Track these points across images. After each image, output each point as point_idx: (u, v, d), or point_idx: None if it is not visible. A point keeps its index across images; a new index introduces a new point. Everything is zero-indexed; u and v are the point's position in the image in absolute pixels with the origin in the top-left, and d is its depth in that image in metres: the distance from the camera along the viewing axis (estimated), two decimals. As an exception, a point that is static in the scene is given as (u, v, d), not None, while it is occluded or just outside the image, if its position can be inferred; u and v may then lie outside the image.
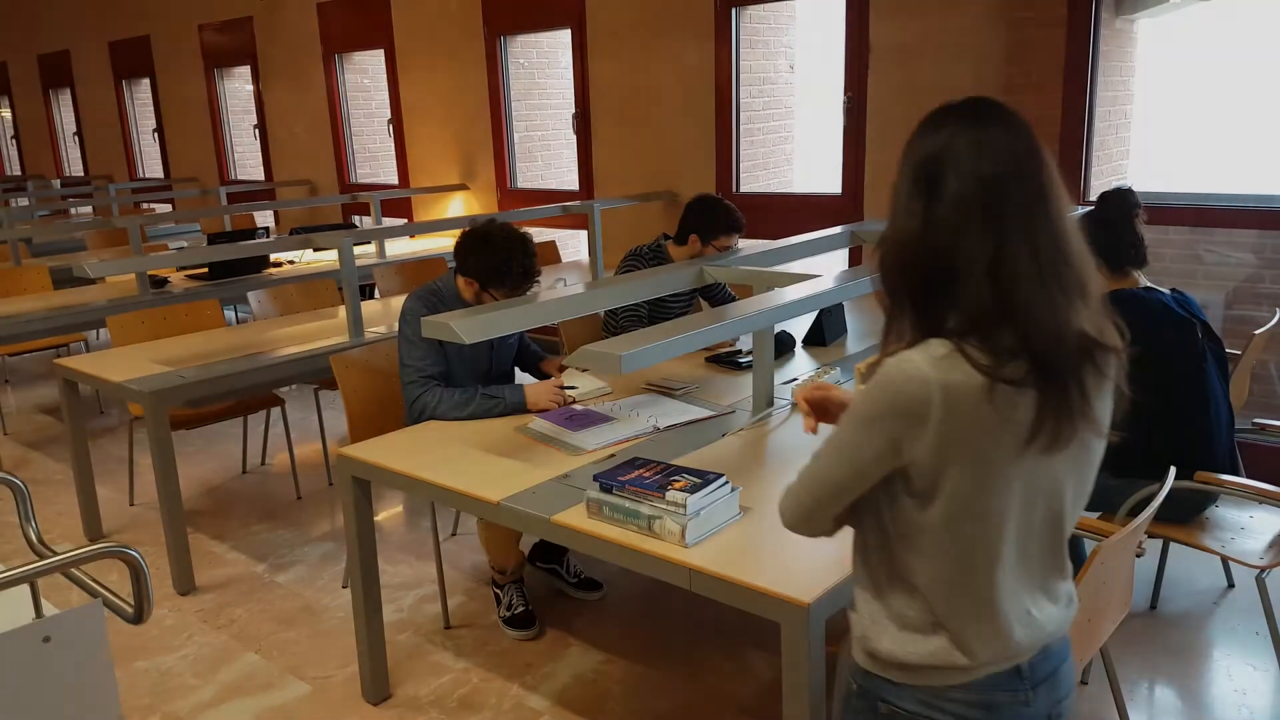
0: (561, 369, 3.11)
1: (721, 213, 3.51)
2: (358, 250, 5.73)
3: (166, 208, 9.66)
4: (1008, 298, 1.15)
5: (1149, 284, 2.76)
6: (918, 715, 1.33)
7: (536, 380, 3.11)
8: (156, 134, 9.95)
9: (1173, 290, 2.75)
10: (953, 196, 1.17)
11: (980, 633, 1.29)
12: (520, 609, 3.04)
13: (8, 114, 12.71)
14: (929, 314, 1.20)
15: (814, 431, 1.56)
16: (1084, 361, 1.19)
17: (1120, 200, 2.78)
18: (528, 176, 6.77)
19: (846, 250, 4.41)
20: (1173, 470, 2.17)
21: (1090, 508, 2.45)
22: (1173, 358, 2.65)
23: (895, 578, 1.32)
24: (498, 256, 2.89)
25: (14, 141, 12.78)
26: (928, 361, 1.17)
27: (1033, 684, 1.34)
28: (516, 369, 3.28)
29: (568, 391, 2.87)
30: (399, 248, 6.41)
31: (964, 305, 1.17)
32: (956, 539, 1.24)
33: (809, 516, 1.36)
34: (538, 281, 2.98)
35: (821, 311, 3.48)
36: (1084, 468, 1.30)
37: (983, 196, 1.16)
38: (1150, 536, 2.39)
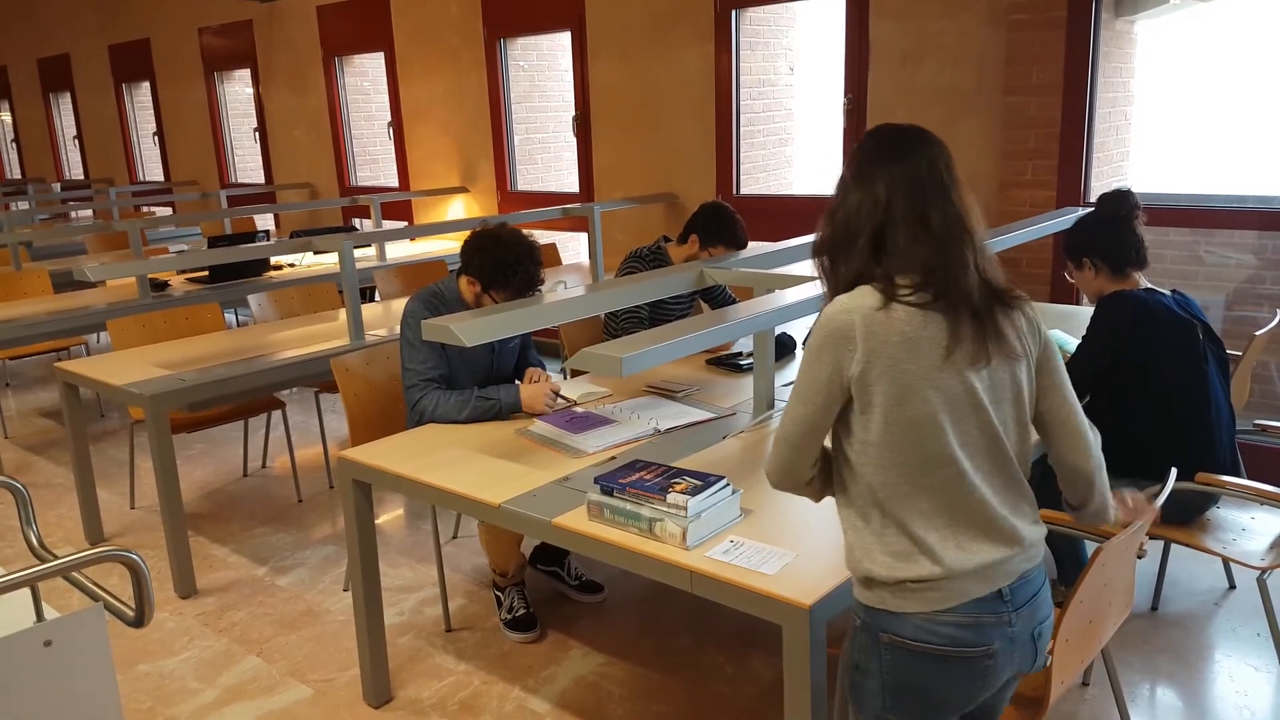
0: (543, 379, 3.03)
1: (728, 224, 3.50)
2: (358, 253, 5.73)
3: (167, 211, 9.66)
4: (906, 253, 1.50)
5: (1149, 285, 2.77)
6: (915, 640, 1.52)
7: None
8: (157, 137, 9.96)
9: (1173, 291, 2.76)
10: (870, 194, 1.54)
11: (950, 541, 1.51)
12: (521, 612, 3.04)
13: (8, 118, 12.72)
14: (850, 272, 1.55)
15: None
16: (989, 298, 1.52)
17: (1120, 201, 2.79)
18: (528, 179, 6.77)
19: (847, 252, 4.41)
20: (1174, 471, 2.17)
21: None
22: (1174, 359, 2.65)
23: (869, 505, 1.54)
24: (505, 259, 2.88)
25: (14, 145, 12.80)
26: (848, 298, 1.52)
27: (1014, 607, 1.55)
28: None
29: (560, 399, 2.85)
30: (399, 251, 6.42)
31: (872, 259, 1.53)
32: (899, 446, 1.49)
33: (790, 465, 1.59)
34: (540, 292, 2.96)
35: (822, 313, 3.47)
36: (1012, 394, 1.55)
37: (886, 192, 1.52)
38: (1151, 538, 2.39)
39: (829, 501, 1.86)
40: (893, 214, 1.51)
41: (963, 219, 1.53)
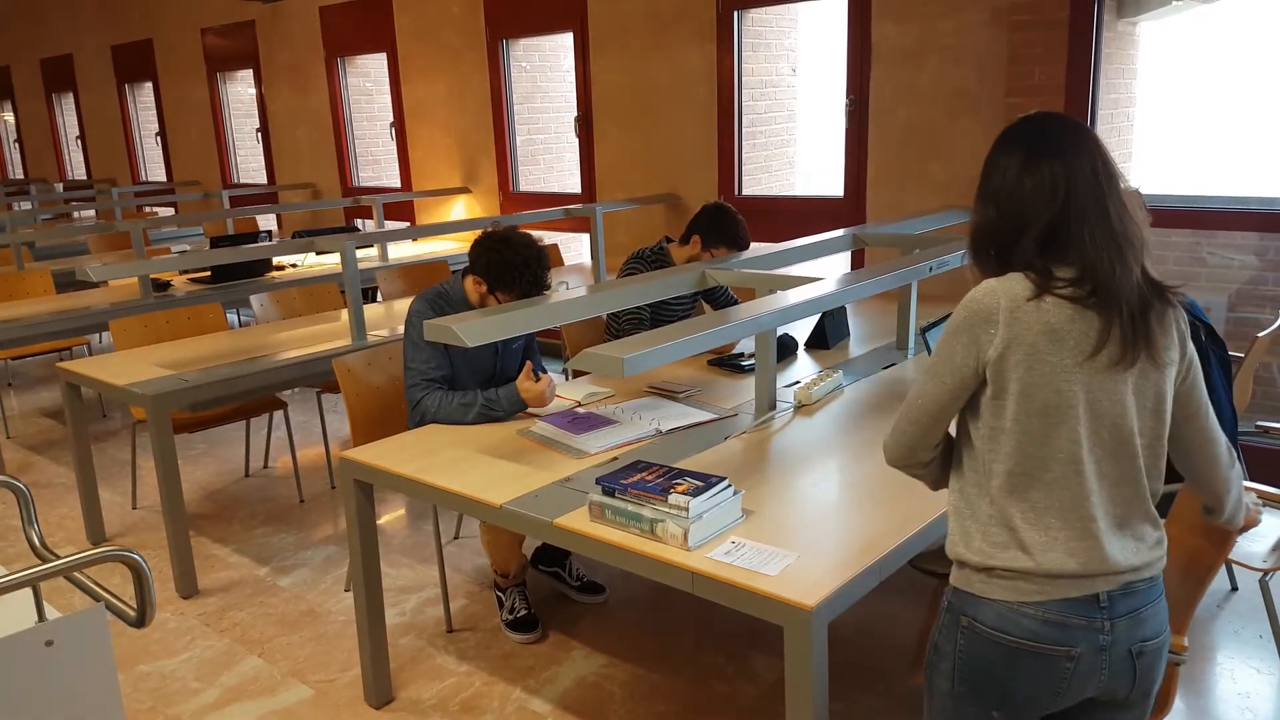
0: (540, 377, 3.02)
1: (730, 225, 3.50)
2: (360, 254, 5.75)
3: (169, 211, 9.68)
4: (1078, 248, 1.46)
5: None
6: (995, 629, 1.49)
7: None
8: (159, 137, 9.97)
9: None
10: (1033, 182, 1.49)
11: (1054, 543, 1.46)
12: (523, 612, 3.04)
13: (11, 118, 12.74)
14: (1015, 262, 1.50)
15: None
16: (1149, 296, 1.47)
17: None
18: (530, 179, 6.78)
19: (849, 253, 4.41)
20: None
21: None
22: None
23: (981, 494, 1.51)
24: (512, 261, 2.88)
25: (17, 145, 12.82)
26: (997, 281, 1.48)
27: (1111, 616, 1.47)
28: None
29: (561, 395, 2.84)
30: (401, 251, 6.42)
31: (1037, 252, 1.48)
32: (1027, 436, 1.46)
33: (912, 445, 1.57)
34: (545, 295, 2.95)
35: (824, 315, 3.48)
36: (1153, 404, 1.49)
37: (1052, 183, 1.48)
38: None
39: (834, 501, 1.86)
40: (1071, 206, 1.46)
41: (1132, 215, 1.50)
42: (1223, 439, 1.59)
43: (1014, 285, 1.46)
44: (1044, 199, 1.47)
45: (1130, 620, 1.49)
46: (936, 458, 1.59)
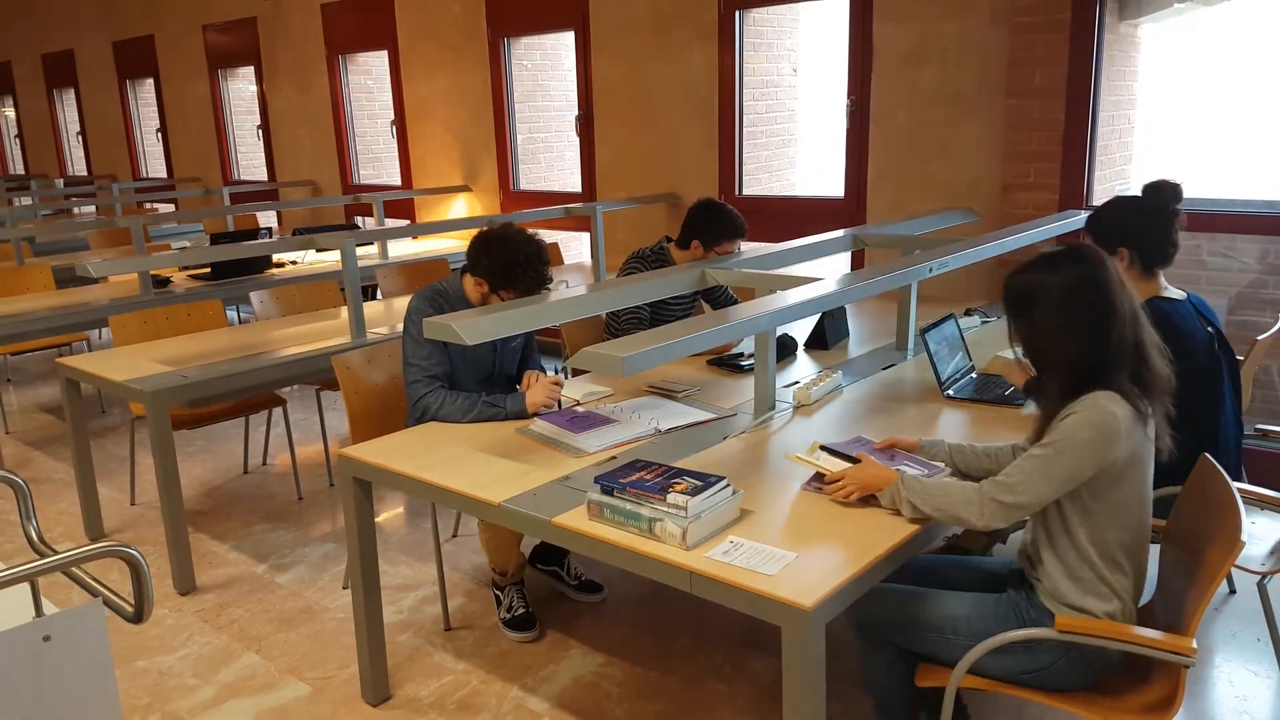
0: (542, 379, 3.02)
1: (725, 219, 3.51)
2: (360, 251, 5.75)
3: (169, 208, 9.67)
4: (1140, 366, 1.91)
5: (1171, 292, 2.65)
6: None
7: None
8: (160, 134, 9.97)
9: (1188, 295, 2.68)
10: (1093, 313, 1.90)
11: (1133, 585, 1.93)
12: (520, 611, 3.04)
13: (12, 113, 12.73)
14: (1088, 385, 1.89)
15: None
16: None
17: (1171, 195, 2.63)
18: (530, 178, 6.78)
19: (849, 253, 4.41)
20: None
21: None
22: (1198, 377, 2.56)
23: (1097, 550, 1.91)
24: (514, 260, 2.86)
25: (18, 141, 12.81)
26: (1107, 400, 1.85)
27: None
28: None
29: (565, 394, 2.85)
30: (401, 249, 6.42)
31: (1111, 374, 1.88)
32: (1127, 511, 1.90)
33: (1014, 518, 1.90)
34: (549, 289, 2.94)
35: (824, 315, 3.48)
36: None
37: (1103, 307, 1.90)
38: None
39: (832, 502, 1.88)
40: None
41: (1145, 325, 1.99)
42: None
43: (1118, 404, 1.90)
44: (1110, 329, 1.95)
45: None
46: None
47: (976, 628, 1.98)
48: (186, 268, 5.53)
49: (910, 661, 2.07)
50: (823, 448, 2.24)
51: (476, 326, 2.24)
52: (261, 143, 8.76)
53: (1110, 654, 1.90)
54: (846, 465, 2.15)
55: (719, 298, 3.81)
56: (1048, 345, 1.91)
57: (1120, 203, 2.77)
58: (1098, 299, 1.86)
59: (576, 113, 6.08)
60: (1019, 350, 1.99)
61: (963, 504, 1.92)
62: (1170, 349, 2.54)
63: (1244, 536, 1.82)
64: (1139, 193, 2.80)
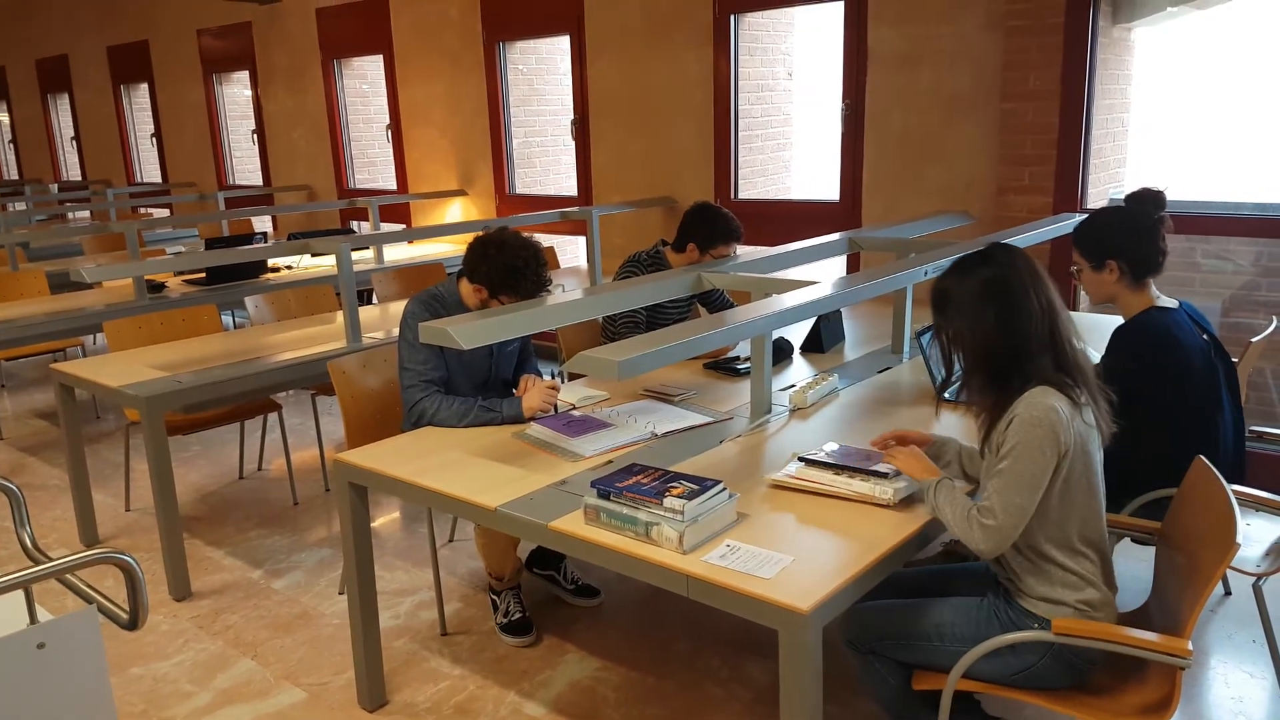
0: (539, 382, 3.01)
1: (720, 221, 3.51)
2: (356, 256, 5.74)
3: (164, 213, 9.65)
4: (1059, 354, 1.98)
5: (1164, 301, 2.64)
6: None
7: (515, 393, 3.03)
8: (154, 139, 9.96)
9: (1181, 303, 2.68)
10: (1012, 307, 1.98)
11: (1101, 570, 1.97)
12: (517, 615, 3.04)
13: (6, 118, 12.71)
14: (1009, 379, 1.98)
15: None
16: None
17: (1155, 203, 2.62)
18: (526, 182, 6.78)
19: (844, 257, 4.42)
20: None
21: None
22: (1196, 385, 2.56)
23: (1054, 545, 1.95)
24: (513, 264, 2.84)
25: (12, 146, 12.79)
26: (1042, 395, 1.91)
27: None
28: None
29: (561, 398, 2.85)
30: (397, 253, 6.42)
31: (1028, 365, 1.96)
32: (1075, 501, 1.94)
33: (1009, 538, 1.90)
34: (549, 292, 2.93)
35: (819, 318, 3.48)
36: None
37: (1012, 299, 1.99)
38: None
39: (830, 504, 1.89)
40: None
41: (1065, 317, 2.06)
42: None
43: (1055, 398, 1.96)
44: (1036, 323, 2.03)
45: None
46: None
47: (961, 632, 2.00)
48: (181, 273, 5.52)
49: (906, 669, 2.08)
50: (801, 458, 2.24)
51: (472, 331, 2.24)
52: (256, 147, 8.76)
53: (1092, 651, 1.91)
54: (833, 474, 2.16)
55: (715, 301, 3.81)
56: (963, 342, 2.01)
57: (1104, 215, 2.77)
58: (1005, 297, 1.97)
59: (572, 117, 6.09)
60: (938, 349, 2.11)
61: (964, 531, 1.93)
62: (1170, 360, 2.54)
63: (1239, 538, 1.82)
64: (1123, 203, 2.80)
